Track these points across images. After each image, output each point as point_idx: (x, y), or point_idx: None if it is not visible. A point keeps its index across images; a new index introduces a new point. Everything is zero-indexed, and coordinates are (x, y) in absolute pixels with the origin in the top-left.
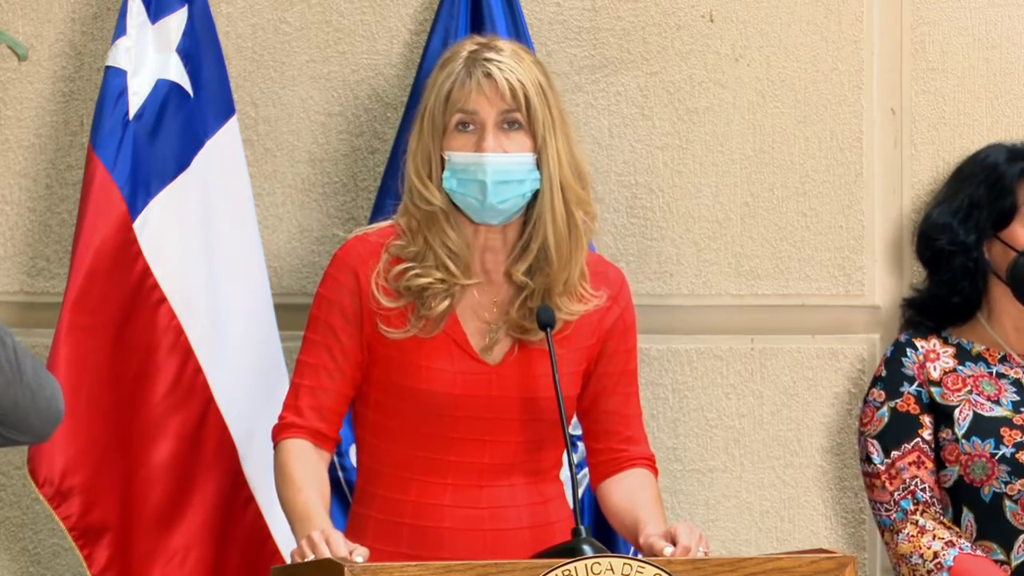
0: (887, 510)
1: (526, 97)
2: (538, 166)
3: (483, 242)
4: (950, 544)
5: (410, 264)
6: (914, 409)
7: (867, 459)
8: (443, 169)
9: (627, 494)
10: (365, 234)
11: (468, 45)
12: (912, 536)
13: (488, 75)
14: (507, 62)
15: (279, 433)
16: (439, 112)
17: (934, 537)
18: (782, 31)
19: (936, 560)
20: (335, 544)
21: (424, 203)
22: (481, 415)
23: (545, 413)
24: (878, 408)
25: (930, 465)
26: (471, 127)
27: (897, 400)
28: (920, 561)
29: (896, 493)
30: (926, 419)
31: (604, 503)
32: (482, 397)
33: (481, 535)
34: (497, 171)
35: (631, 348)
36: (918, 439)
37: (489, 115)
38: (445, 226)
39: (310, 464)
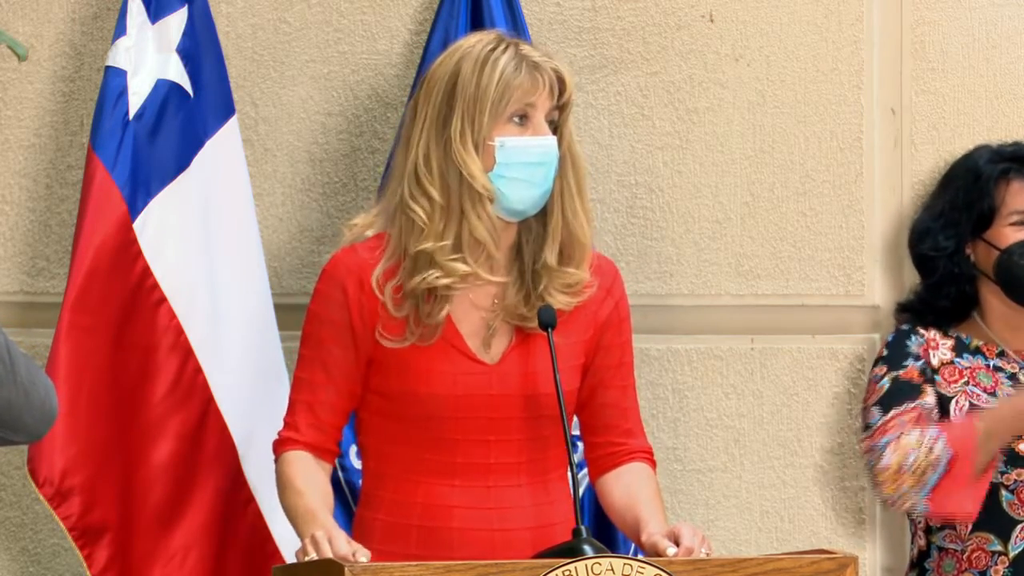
0: (872, 454)
1: (571, 99)
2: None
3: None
4: (925, 428)
5: (432, 271)
6: (917, 379)
7: (866, 425)
8: (487, 157)
9: (627, 490)
10: (353, 247)
11: (502, 40)
12: (895, 449)
13: (558, 74)
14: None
15: (278, 448)
16: (503, 102)
17: (910, 436)
18: (782, 31)
19: (927, 443)
20: (337, 543)
21: (476, 183)
22: (484, 415)
23: (547, 409)
24: (879, 380)
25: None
26: (525, 120)
27: (900, 371)
28: (915, 457)
29: (883, 440)
30: (928, 388)
31: (604, 499)
32: (483, 396)
33: (489, 535)
34: (554, 156)
35: (627, 341)
36: (920, 402)
37: (544, 111)
38: (489, 206)
39: (311, 472)
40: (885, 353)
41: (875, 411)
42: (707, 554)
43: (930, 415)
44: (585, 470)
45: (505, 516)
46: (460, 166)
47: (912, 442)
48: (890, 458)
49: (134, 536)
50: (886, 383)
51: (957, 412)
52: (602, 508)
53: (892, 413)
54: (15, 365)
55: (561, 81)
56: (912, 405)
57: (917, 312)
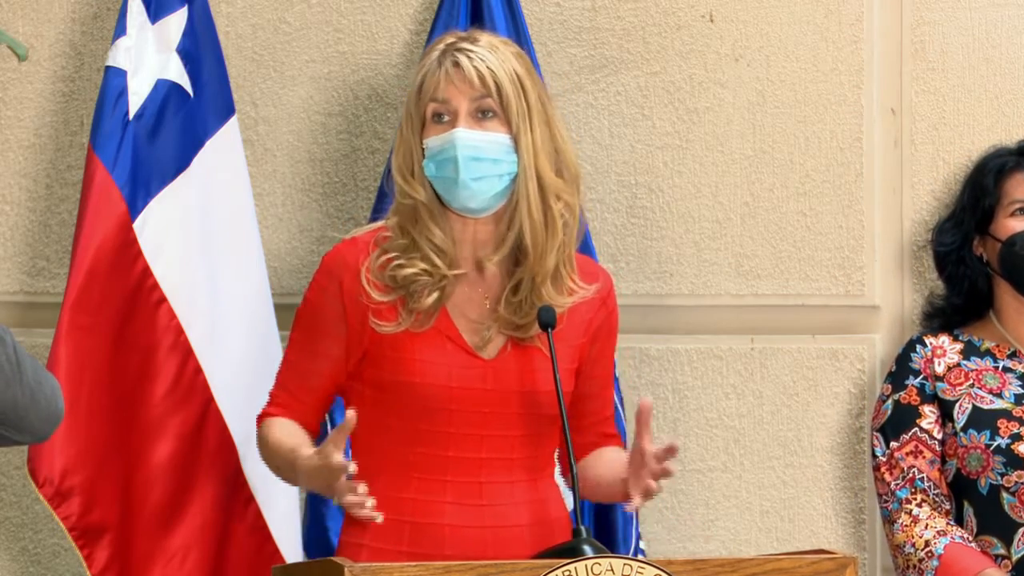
0: (885, 501)
1: (496, 84)
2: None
3: (471, 235)
4: (942, 533)
5: (395, 255)
6: (915, 400)
7: (872, 452)
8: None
9: (610, 462)
10: (353, 238)
11: (447, 39)
12: (906, 526)
13: (456, 64)
14: (478, 51)
15: (259, 420)
16: (414, 105)
17: (927, 527)
18: (782, 31)
19: (927, 549)
20: (333, 453)
21: (406, 198)
22: (478, 409)
23: (541, 407)
24: (884, 401)
25: (929, 455)
26: (446, 118)
27: (901, 393)
28: (912, 550)
29: (894, 483)
30: (926, 409)
31: (585, 476)
32: (477, 390)
33: (481, 532)
34: (467, 145)
35: (612, 352)
36: (915, 429)
37: (461, 104)
38: (429, 222)
39: (291, 429)
40: (893, 368)
41: (878, 438)
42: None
43: (928, 441)
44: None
45: (498, 513)
46: (396, 182)
47: (917, 539)
48: (898, 534)
49: (134, 536)
50: (889, 407)
51: (959, 415)
52: (602, 508)
53: (892, 448)
54: (22, 366)
55: (473, 72)
56: (908, 436)
57: (932, 316)
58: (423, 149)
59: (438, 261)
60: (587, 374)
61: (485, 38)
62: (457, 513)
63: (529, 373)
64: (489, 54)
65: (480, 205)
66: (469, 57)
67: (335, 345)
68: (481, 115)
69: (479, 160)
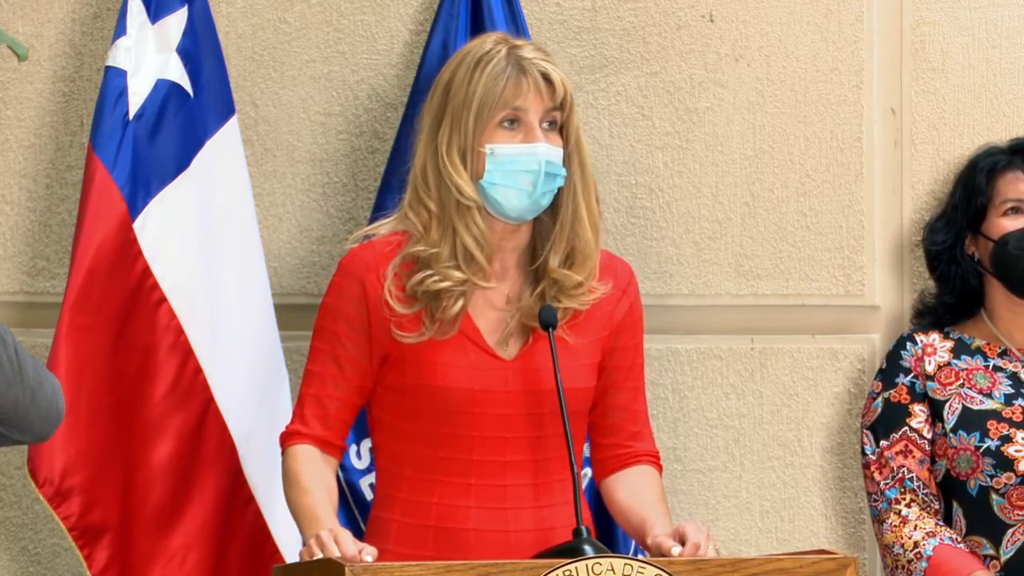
0: (875, 500)
1: (571, 99)
2: (565, 164)
3: (498, 239)
4: (931, 534)
5: (429, 272)
6: (905, 399)
7: (862, 450)
8: (478, 164)
9: (632, 492)
10: (370, 242)
11: (500, 43)
12: (895, 526)
13: (546, 76)
14: (550, 63)
15: (285, 441)
16: (487, 107)
17: (915, 527)
18: (782, 31)
19: (916, 550)
20: (344, 543)
21: (460, 194)
22: (500, 411)
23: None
24: (875, 399)
25: (918, 455)
26: (516, 124)
27: (891, 391)
28: (901, 551)
29: (883, 483)
30: (916, 408)
31: (609, 499)
32: (499, 392)
33: (505, 536)
34: (549, 162)
35: (639, 343)
36: (905, 428)
37: (537, 113)
38: (477, 216)
39: (316, 467)
40: (884, 366)
41: (868, 436)
42: (715, 549)
43: (917, 440)
44: (587, 469)
45: (520, 517)
46: (446, 177)
47: (906, 539)
48: (887, 534)
49: (134, 536)
50: (879, 404)
51: (949, 416)
52: (603, 508)
53: (882, 447)
54: (23, 366)
55: (551, 82)
56: (898, 435)
57: (923, 314)
58: (480, 152)
59: (479, 257)
60: (610, 366)
61: (535, 46)
62: (481, 517)
63: (549, 372)
64: (557, 67)
65: (533, 215)
66: (554, 70)
67: (359, 351)
68: (548, 125)
69: (551, 176)
